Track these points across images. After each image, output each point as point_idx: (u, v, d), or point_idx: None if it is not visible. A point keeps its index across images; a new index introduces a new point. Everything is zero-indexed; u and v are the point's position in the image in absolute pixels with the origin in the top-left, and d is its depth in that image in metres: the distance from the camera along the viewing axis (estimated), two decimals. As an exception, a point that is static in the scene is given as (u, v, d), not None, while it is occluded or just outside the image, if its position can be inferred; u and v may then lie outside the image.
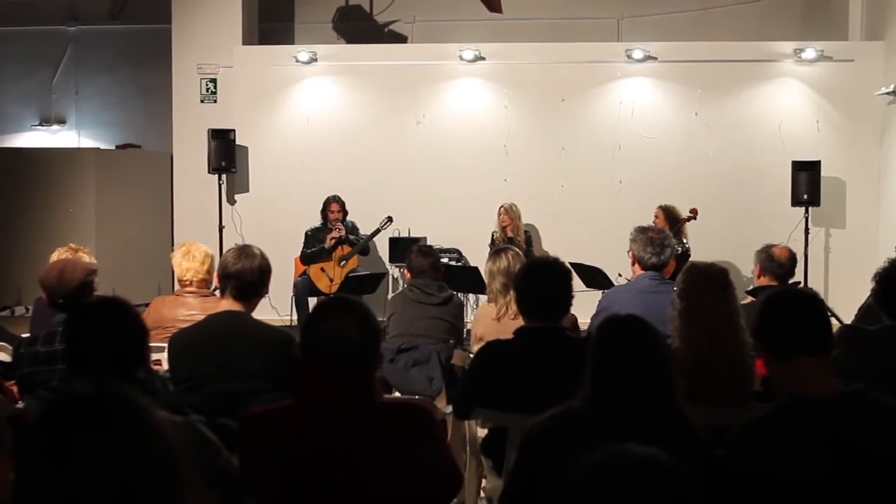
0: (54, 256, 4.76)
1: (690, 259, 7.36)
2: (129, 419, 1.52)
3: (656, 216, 8.62)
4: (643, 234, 4.65)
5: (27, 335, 4.08)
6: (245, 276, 3.61)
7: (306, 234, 9.18)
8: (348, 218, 9.24)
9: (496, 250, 5.03)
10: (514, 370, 3.44)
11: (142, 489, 1.47)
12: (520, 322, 3.81)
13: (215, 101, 10.47)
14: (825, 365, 2.40)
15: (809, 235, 9.36)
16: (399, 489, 2.37)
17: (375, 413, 2.41)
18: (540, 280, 3.58)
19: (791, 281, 5.04)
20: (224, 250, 8.35)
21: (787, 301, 2.51)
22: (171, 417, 2.38)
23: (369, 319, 2.43)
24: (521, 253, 5.03)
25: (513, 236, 9.03)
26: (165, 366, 3.72)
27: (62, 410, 1.51)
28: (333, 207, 9.12)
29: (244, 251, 3.69)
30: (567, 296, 3.60)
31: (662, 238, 4.64)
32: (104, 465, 1.45)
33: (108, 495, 1.44)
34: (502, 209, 9.21)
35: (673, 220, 8.47)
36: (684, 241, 8.45)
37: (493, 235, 9.28)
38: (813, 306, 2.47)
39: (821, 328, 2.42)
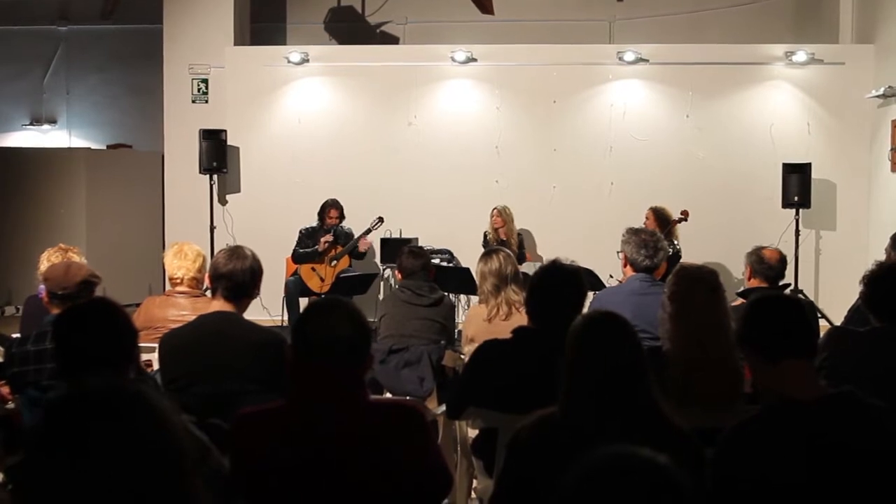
0: (44, 257, 4.75)
1: (681, 260, 7.39)
2: (143, 413, 1.53)
3: (647, 217, 8.63)
4: (636, 237, 4.64)
5: (16, 335, 4.09)
6: (236, 276, 3.61)
7: (300, 232, 9.17)
8: (344, 223, 9.23)
9: (488, 251, 5.03)
10: (511, 370, 3.44)
11: (155, 482, 1.48)
12: (511, 323, 3.81)
13: (207, 102, 10.45)
14: (809, 368, 2.41)
15: (800, 237, 9.39)
16: (390, 490, 2.38)
17: (366, 414, 2.42)
18: (554, 287, 3.55)
19: (781, 283, 5.04)
20: (215, 251, 8.34)
21: (771, 306, 2.51)
22: None
23: (360, 320, 2.44)
24: (512, 255, 5.03)
25: (505, 238, 9.05)
26: (156, 366, 3.72)
27: (76, 404, 1.52)
28: (332, 213, 9.09)
29: (235, 252, 3.69)
30: (578, 306, 3.57)
31: (656, 240, 4.64)
32: (118, 458, 1.46)
33: (122, 487, 1.45)
34: (495, 211, 9.22)
35: (663, 221, 8.49)
36: (675, 242, 8.47)
37: (485, 235, 9.29)
38: (796, 311, 2.47)
39: (804, 332, 2.43)
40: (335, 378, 2.38)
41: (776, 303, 2.55)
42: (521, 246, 9.19)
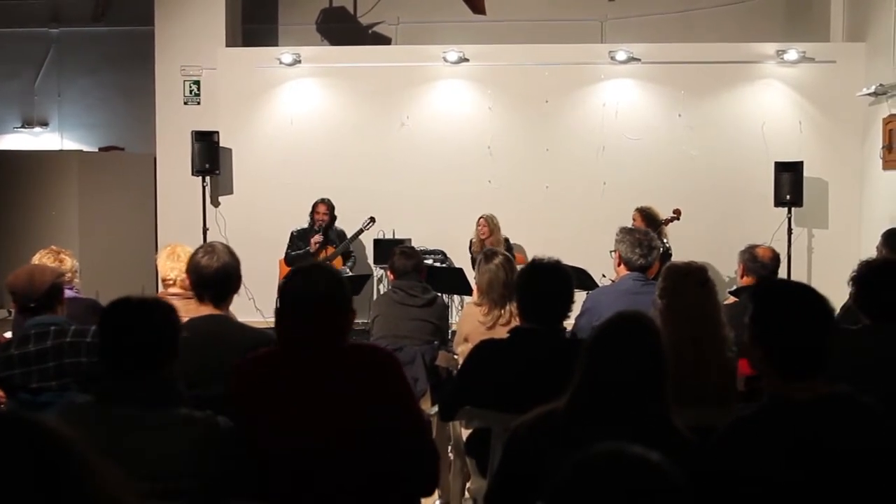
0: (36, 259, 4.74)
1: (671, 259, 7.38)
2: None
3: (634, 219, 8.57)
4: (630, 236, 4.66)
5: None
6: (220, 281, 3.68)
7: (291, 234, 9.16)
8: (337, 223, 9.22)
9: (489, 258, 4.75)
10: (508, 370, 3.44)
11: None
12: (510, 329, 3.81)
13: (199, 103, 10.44)
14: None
15: (792, 236, 9.42)
16: (370, 424, 2.60)
17: (345, 353, 2.72)
18: (541, 282, 3.56)
19: (773, 281, 5.04)
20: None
21: (804, 326, 2.33)
22: (190, 413, 2.57)
23: (337, 277, 2.80)
24: (513, 259, 4.89)
25: (491, 247, 8.96)
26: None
27: None
28: (320, 209, 9.08)
29: (212, 254, 3.71)
30: (568, 300, 3.58)
31: (650, 240, 4.66)
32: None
33: None
34: (482, 219, 9.11)
35: (651, 221, 8.38)
36: (664, 241, 8.44)
37: (471, 244, 9.21)
38: (822, 326, 2.35)
39: (823, 354, 2.32)
40: (315, 325, 2.68)
41: (807, 325, 2.34)
42: (509, 251, 9.11)
